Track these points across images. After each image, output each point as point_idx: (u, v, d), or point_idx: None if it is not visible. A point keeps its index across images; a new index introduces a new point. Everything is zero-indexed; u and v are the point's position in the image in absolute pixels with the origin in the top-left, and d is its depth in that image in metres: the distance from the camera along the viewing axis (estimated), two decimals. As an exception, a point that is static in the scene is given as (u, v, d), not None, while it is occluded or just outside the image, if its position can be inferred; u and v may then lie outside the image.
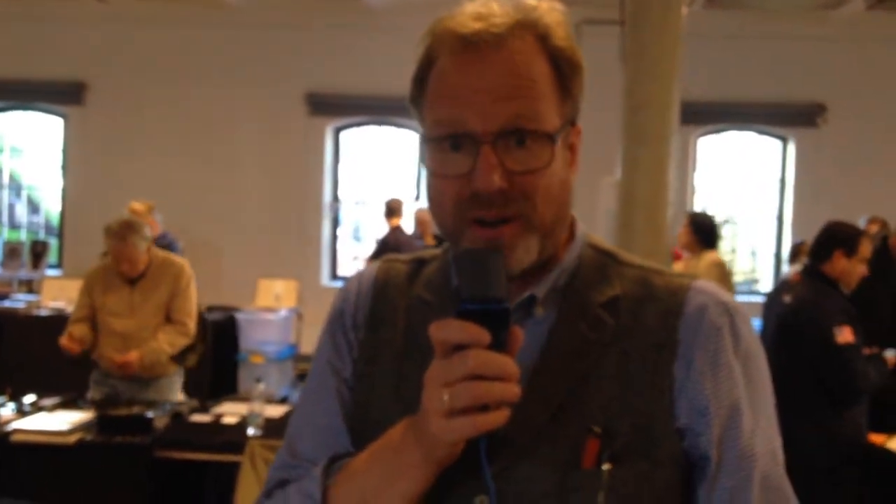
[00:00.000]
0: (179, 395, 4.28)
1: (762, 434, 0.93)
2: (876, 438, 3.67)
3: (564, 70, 0.92)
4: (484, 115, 0.88)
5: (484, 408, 0.79)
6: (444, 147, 0.91)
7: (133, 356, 3.96)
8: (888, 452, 3.60)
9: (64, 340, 3.93)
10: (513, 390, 0.80)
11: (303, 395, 1.07)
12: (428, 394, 0.82)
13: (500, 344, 0.80)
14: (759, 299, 6.08)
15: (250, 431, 3.59)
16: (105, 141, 8.75)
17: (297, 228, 8.30)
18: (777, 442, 0.96)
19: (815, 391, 3.46)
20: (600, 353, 0.92)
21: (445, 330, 0.81)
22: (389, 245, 7.04)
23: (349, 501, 0.92)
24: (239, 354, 7.37)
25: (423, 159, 0.95)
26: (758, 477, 0.92)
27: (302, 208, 8.43)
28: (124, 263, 4.00)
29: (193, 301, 4.20)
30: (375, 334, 1.02)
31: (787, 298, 3.73)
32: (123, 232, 3.94)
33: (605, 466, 0.88)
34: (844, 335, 3.41)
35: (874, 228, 5.25)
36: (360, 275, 1.09)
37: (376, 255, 6.99)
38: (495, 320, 0.80)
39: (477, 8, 0.91)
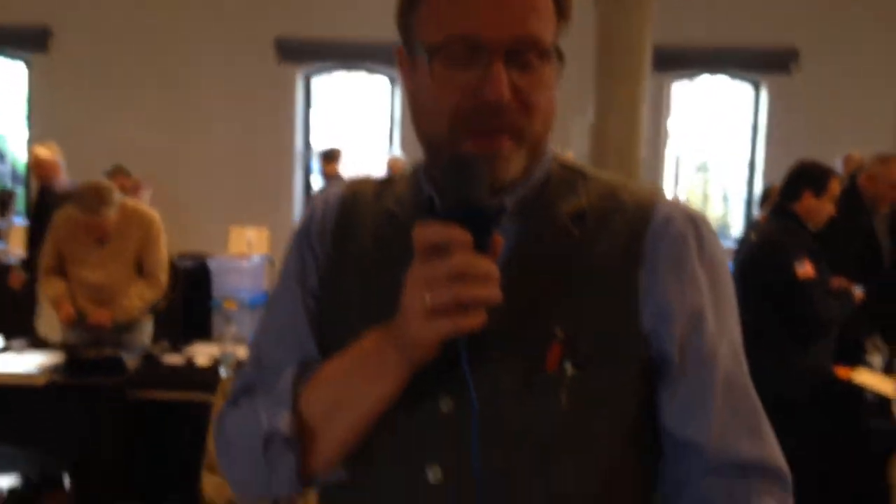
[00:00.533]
0: (149, 340, 4.28)
1: (725, 337, 0.94)
2: (841, 372, 3.74)
3: None
4: (498, 29, 0.88)
5: (464, 309, 0.80)
6: (451, 55, 0.90)
7: (105, 316, 3.95)
8: (853, 386, 3.67)
9: (63, 316, 3.94)
10: (494, 292, 0.80)
11: (268, 307, 1.07)
12: (409, 294, 0.82)
13: (482, 247, 0.81)
14: (731, 244, 6.13)
15: (223, 372, 3.60)
16: (70, 88, 8.57)
17: (269, 176, 8.22)
18: (740, 346, 0.97)
19: (780, 327, 3.52)
20: (566, 261, 0.93)
21: (429, 231, 0.81)
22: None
23: (322, 406, 0.93)
24: (212, 301, 7.36)
25: (408, 74, 0.96)
26: (720, 378, 0.93)
27: (273, 156, 8.33)
28: (96, 232, 3.93)
29: (164, 252, 4.17)
30: (342, 247, 1.02)
31: (753, 237, 3.77)
32: (95, 206, 3.80)
33: (569, 369, 0.89)
34: (806, 270, 3.46)
35: (852, 164, 5.26)
36: (326, 192, 1.09)
37: None
38: (478, 224, 0.81)
39: None
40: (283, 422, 0.92)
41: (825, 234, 3.78)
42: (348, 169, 7.56)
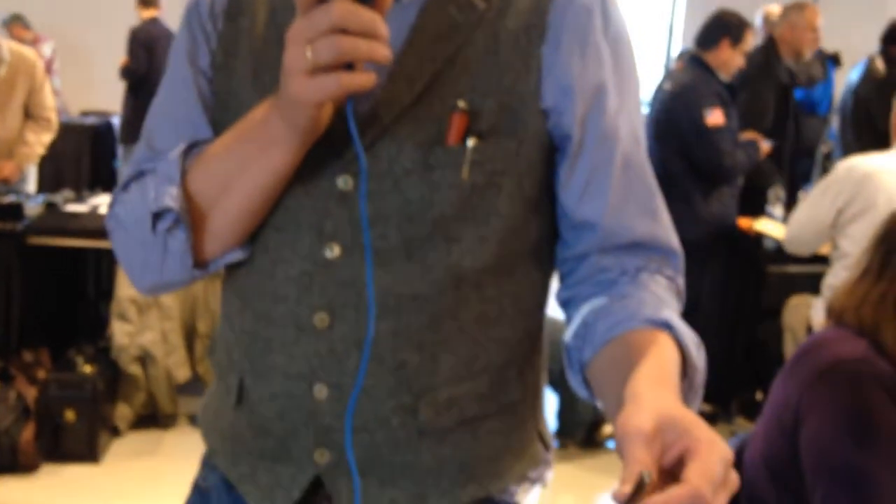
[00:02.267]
0: (32, 188, 4.28)
1: (626, 116, 0.93)
2: (743, 222, 3.87)
3: None
4: None
5: (349, 67, 0.75)
6: None
7: (11, 167, 3.92)
8: (754, 235, 3.81)
9: None
10: (381, 50, 0.76)
11: (160, 90, 1.01)
12: (290, 53, 0.77)
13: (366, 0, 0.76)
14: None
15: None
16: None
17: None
18: (641, 127, 0.97)
19: (687, 173, 3.61)
20: (469, 35, 0.89)
21: None
22: (139, 40, 6.07)
23: (211, 182, 0.90)
24: (115, 160, 7.13)
25: None
26: (619, 156, 0.92)
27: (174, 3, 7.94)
28: None
29: (50, 91, 4.15)
30: (234, 24, 0.96)
31: (667, 86, 3.80)
32: None
33: (471, 142, 0.87)
34: (714, 117, 3.53)
35: (771, 19, 5.27)
36: None
37: (130, 70, 6.12)
38: None
39: None
40: (171, 196, 0.89)
41: (742, 89, 3.84)
42: None
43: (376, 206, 0.87)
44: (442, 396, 0.92)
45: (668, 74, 4.07)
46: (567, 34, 0.90)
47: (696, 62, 3.73)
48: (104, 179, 6.72)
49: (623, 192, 0.92)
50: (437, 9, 0.90)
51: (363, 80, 0.76)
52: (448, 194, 0.87)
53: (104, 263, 3.85)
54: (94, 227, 3.48)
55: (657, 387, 0.69)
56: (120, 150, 6.56)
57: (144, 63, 5.99)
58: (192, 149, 0.93)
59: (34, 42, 6.79)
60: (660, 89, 3.91)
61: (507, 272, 0.93)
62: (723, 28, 3.66)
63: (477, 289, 0.91)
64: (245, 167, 0.87)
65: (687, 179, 3.62)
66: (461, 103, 0.87)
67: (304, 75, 0.76)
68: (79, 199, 3.94)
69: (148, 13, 6.25)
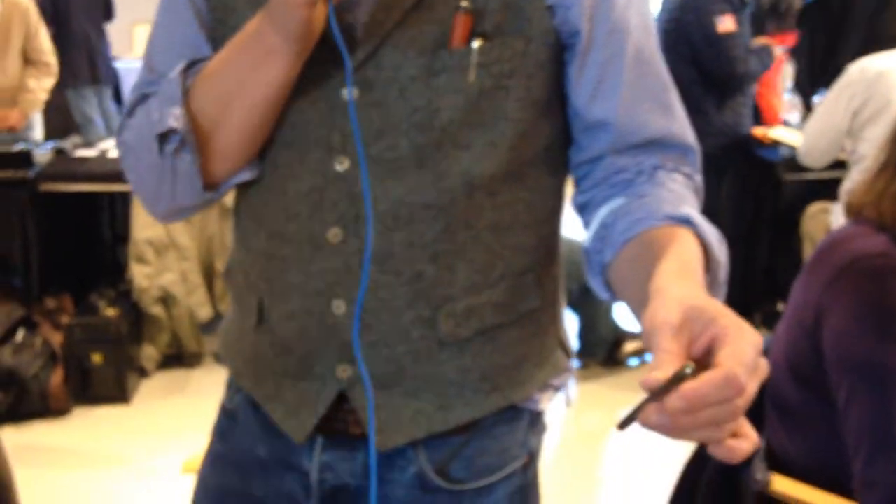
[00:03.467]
0: (40, 135, 4.25)
1: (636, 7, 0.90)
2: (758, 131, 3.82)
3: None
4: None
5: None
6: None
7: (16, 115, 3.92)
8: (769, 143, 3.76)
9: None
10: None
11: (158, 11, 0.99)
12: None
13: None
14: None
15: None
16: None
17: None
18: (650, 18, 0.93)
19: (698, 82, 3.55)
20: None
21: None
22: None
23: (212, 99, 0.88)
24: (122, 105, 7.08)
25: None
26: (631, 50, 0.89)
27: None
28: None
29: (46, 35, 4.12)
30: None
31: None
32: None
33: (476, 43, 0.84)
34: (725, 24, 3.44)
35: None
36: None
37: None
38: None
39: None
40: (174, 117, 0.87)
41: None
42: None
43: (383, 116, 0.86)
44: (460, 307, 0.91)
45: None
46: None
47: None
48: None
49: (636, 88, 0.90)
50: None
51: None
52: (455, 99, 0.85)
53: (118, 207, 3.85)
54: (106, 170, 3.48)
55: (681, 280, 0.68)
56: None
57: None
58: (193, 67, 0.91)
59: None
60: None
61: (519, 178, 0.91)
62: None
63: (490, 196, 0.89)
64: (243, 82, 0.86)
65: (699, 89, 3.56)
66: (464, 2, 0.84)
67: None
68: (87, 144, 3.93)
69: None
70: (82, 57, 5.83)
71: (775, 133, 3.77)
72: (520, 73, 0.87)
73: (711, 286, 0.79)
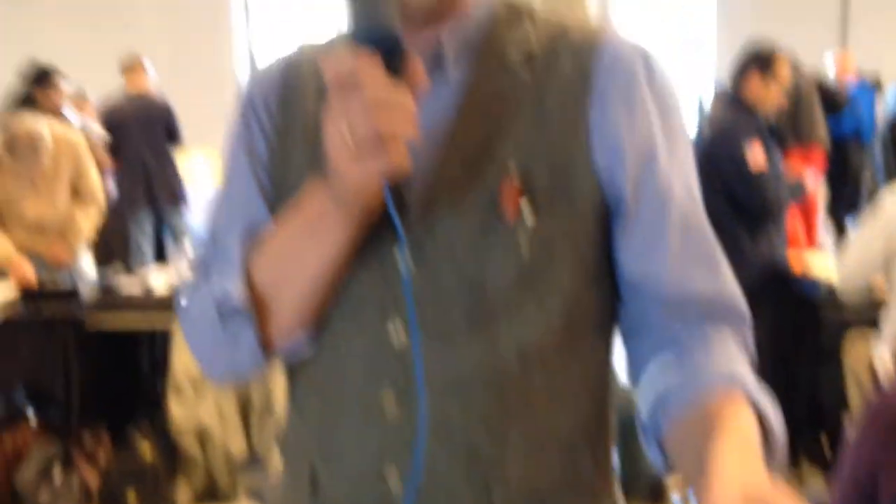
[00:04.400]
0: (92, 268, 4.30)
1: (678, 172, 0.93)
2: (794, 259, 3.79)
3: None
4: None
5: (385, 142, 0.76)
6: None
7: (65, 253, 3.98)
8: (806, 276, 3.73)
9: (18, 278, 3.76)
10: (412, 122, 0.77)
11: (221, 183, 1.04)
12: (328, 134, 0.79)
13: (394, 72, 0.77)
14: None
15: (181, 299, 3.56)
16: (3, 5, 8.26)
17: (213, 97, 8.01)
18: (694, 182, 0.95)
19: (732, 215, 3.55)
20: (516, 104, 0.90)
21: (335, 60, 0.77)
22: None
23: (271, 269, 0.91)
24: (164, 227, 7.24)
25: None
26: (675, 214, 0.91)
27: (215, 76, 8.10)
28: (30, 174, 3.88)
29: (95, 171, 4.20)
30: (287, 111, 0.99)
31: (705, 126, 3.78)
32: (31, 157, 3.79)
33: (526, 213, 0.87)
34: (756, 157, 3.45)
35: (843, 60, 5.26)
36: (268, 62, 1.05)
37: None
38: (387, 49, 0.77)
39: None
40: (235, 289, 0.90)
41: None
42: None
43: (435, 285, 0.88)
44: (513, 474, 0.91)
45: (706, 114, 4.05)
46: (613, 95, 0.90)
47: (731, 100, 3.67)
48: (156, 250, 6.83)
49: (682, 250, 0.91)
50: (483, 80, 0.91)
51: (401, 153, 0.77)
52: (507, 269, 0.87)
53: (158, 339, 3.90)
54: (149, 306, 3.53)
55: (740, 458, 0.69)
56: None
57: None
58: (254, 239, 0.94)
59: (80, 106, 6.78)
60: (700, 134, 3.89)
61: (571, 345, 0.92)
62: (748, 59, 3.60)
63: (542, 364, 0.90)
64: (301, 251, 0.88)
65: (732, 220, 3.56)
66: (513, 172, 0.87)
67: (345, 155, 0.77)
68: (129, 271, 4.02)
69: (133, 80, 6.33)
70: (138, 183, 6.07)
71: (810, 264, 3.76)
72: (569, 240, 0.89)
73: (768, 456, 0.78)
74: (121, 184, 6.06)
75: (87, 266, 4.25)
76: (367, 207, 0.84)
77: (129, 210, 6.04)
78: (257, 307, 0.91)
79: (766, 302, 3.66)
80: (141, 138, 6.15)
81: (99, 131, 5.86)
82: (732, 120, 3.60)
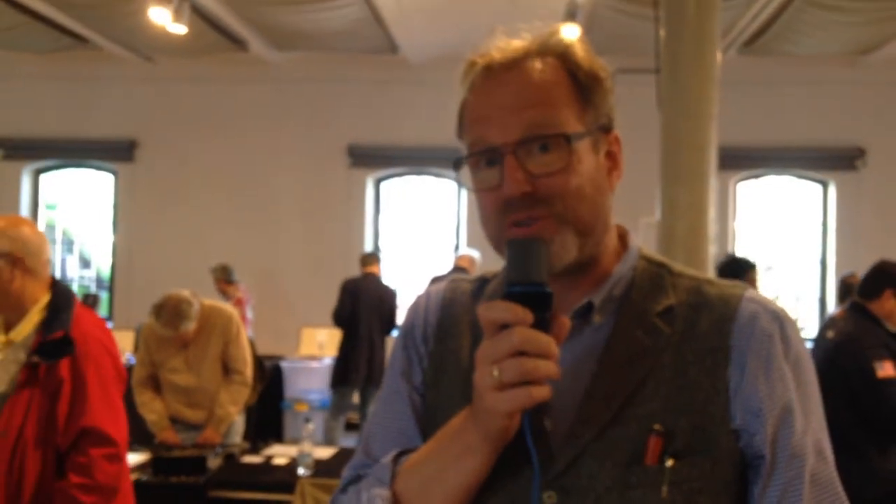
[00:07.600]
0: (240, 437, 4.39)
1: (812, 434, 0.98)
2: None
3: (582, 80, 1.01)
4: (503, 128, 0.98)
5: (529, 382, 0.86)
6: (477, 164, 1.01)
7: (210, 434, 4.08)
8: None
9: (166, 436, 4.06)
10: (554, 369, 0.87)
11: (378, 402, 1.15)
12: (479, 371, 0.89)
13: (542, 324, 0.88)
14: (808, 344, 6.04)
15: (301, 471, 3.66)
16: (153, 195, 8.99)
17: (340, 277, 8.46)
18: (826, 442, 1.01)
19: (858, 425, 3.45)
20: (657, 358, 0.98)
21: (492, 310, 0.89)
22: (348, 290, 6.82)
23: (415, 483, 0.99)
24: (283, 402, 7.45)
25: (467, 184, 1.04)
26: (808, 475, 0.96)
27: (344, 257, 8.55)
28: (177, 342, 4.08)
29: (246, 346, 4.26)
30: (443, 345, 1.10)
31: (830, 334, 3.74)
32: (173, 321, 3.93)
33: (668, 462, 0.93)
34: (886, 370, 3.41)
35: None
36: (428, 292, 1.18)
37: (337, 314, 6.71)
38: (537, 302, 0.88)
39: (498, 43, 1.02)
40: (381, 499, 0.99)
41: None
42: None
43: None
44: None
45: (831, 322, 4.00)
46: (751, 357, 0.97)
47: (859, 311, 3.66)
48: (272, 423, 7.02)
49: None
50: (626, 332, 1.00)
51: (542, 393, 0.87)
52: None
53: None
54: (270, 480, 3.65)
55: None
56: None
57: (349, 307, 6.64)
58: (403, 456, 1.03)
59: (237, 304, 7.08)
60: (822, 338, 3.85)
61: None
62: (885, 279, 3.62)
63: None
64: (443, 471, 0.97)
65: (860, 433, 3.45)
66: (657, 426, 0.94)
67: (493, 391, 0.87)
68: (253, 449, 4.15)
69: (369, 269, 6.98)
70: (362, 360, 6.58)
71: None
72: (709, 489, 0.94)
73: None
74: (346, 357, 6.60)
75: (235, 433, 4.32)
76: (504, 434, 0.92)
77: (349, 382, 6.56)
78: None
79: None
80: (374, 319, 6.72)
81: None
82: (858, 329, 3.58)
